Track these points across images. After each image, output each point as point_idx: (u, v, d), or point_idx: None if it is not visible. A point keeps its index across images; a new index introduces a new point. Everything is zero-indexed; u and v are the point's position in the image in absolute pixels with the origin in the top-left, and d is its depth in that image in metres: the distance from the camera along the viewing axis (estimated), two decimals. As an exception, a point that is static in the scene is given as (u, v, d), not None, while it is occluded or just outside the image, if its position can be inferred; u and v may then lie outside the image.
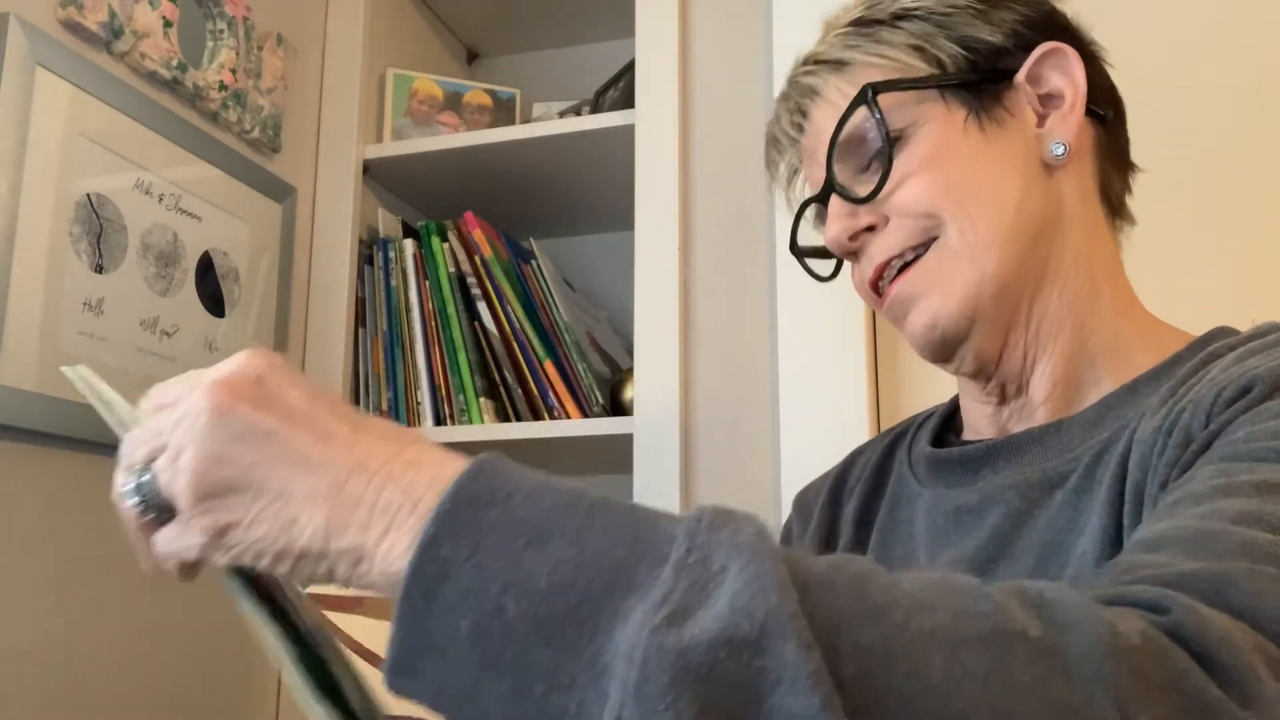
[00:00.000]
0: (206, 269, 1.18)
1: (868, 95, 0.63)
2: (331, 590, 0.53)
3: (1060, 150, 0.63)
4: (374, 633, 0.53)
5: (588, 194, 1.47)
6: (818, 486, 0.79)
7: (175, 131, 1.14)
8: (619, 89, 1.36)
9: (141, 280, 1.08)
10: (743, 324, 1.19)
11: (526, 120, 1.45)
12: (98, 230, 1.03)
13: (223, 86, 1.20)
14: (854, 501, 0.74)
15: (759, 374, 1.17)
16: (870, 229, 0.65)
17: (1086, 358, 0.64)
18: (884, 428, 1.16)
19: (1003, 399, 0.67)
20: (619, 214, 1.40)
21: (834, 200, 0.66)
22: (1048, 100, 0.65)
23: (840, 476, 0.77)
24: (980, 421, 0.69)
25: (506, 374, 1.29)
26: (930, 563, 0.63)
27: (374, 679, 0.52)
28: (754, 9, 1.25)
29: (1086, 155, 0.66)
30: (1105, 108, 0.67)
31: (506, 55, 1.72)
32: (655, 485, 1.15)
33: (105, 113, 1.05)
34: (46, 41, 0.98)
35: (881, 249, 0.64)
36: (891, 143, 0.63)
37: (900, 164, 0.63)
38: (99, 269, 1.03)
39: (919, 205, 0.63)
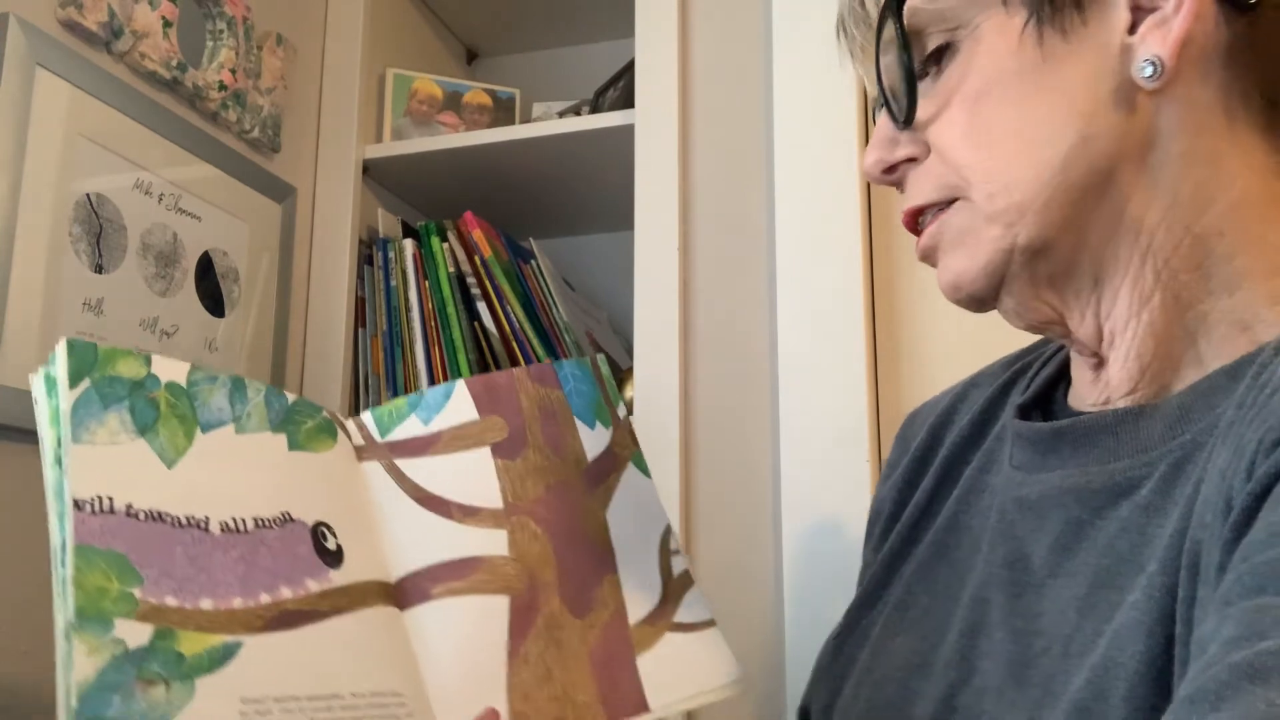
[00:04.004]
0: (206, 269, 1.18)
1: (891, 7, 0.51)
2: (404, 435, 0.51)
3: (1150, 71, 0.46)
4: (442, 475, 0.51)
5: (588, 194, 1.47)
6: (925, 414, 0.68)
7: (175, 131, 1.14)
8: (619, 89, 1.36)
9: (141, 280, 1.08)
10: (743, 323, 1.19)
11: (526, 120, 1.45)
12: (97, 230, 1.03)
13: (222, 86, 1.20)
14: (947, 448, 0.63)
15: (759, 374, 1.17)
16: (912, 159, 0.54)
17: (1189, 335, 0.49)
18: (884, 428, 1.17)
19: (1100, 364, 0.53)
20: (619, 214, 1.40)
21: (881, 118, 0.55)
22: None
23: (948, 410, 0.66)
24: (1083, 384, 0.55)
25: (506, 374, 1.29)
26: (989, 553, 0.54)
27: (436, 526, 0.50)
28: (754, 9, 1.25)
29: (1213, 61, 0.48)
30: None
31: (506, 55, 1.72)
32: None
33: (105, 113, 1.05)
34: (46, 41, 0.98)
35: (915, 191, 0.54)
36: (918, 68, 0.52)
37: (946, 82, 0.51)
38: (99, 269, 1.03)
39: (952, 153, 0.51)
